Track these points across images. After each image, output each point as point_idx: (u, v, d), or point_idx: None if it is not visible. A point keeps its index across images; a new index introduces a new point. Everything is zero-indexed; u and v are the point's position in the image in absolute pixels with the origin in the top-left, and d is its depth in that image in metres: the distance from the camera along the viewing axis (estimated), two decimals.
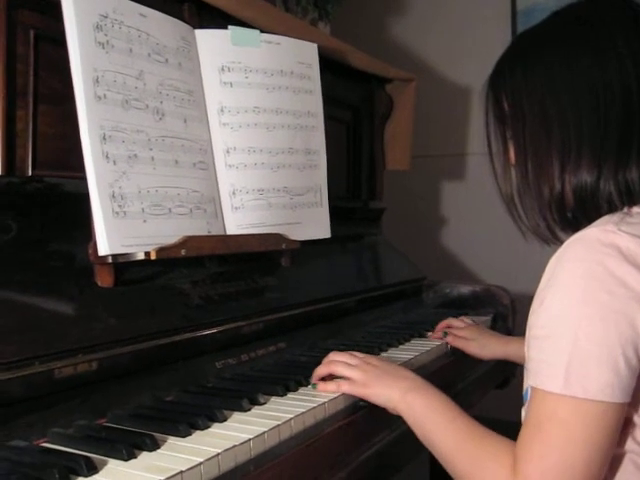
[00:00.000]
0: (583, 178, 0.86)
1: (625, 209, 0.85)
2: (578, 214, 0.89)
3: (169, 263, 1.12)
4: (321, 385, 1.06)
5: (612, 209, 0.86)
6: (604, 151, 0.85)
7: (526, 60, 0.93)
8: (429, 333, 1.52)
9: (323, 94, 1.47)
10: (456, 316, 1.59)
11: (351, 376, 1.05)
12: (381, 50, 2.29)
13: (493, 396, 1.69)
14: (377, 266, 1.87)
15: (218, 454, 0.79)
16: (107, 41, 1.05)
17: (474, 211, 2.43)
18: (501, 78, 0.96)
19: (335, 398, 1.02)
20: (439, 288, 1.91)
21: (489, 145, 0.99)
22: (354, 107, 1.92)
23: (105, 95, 1.03)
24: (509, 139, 0.96)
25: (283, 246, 1.31)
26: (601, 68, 0.86)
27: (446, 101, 2.57)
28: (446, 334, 1.47)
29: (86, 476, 0.73)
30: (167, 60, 1.16)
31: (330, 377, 1.09)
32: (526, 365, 0.88)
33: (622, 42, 0.87)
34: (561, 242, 0.85)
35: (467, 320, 1.56)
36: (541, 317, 0.83)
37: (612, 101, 0.85)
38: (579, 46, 0.88)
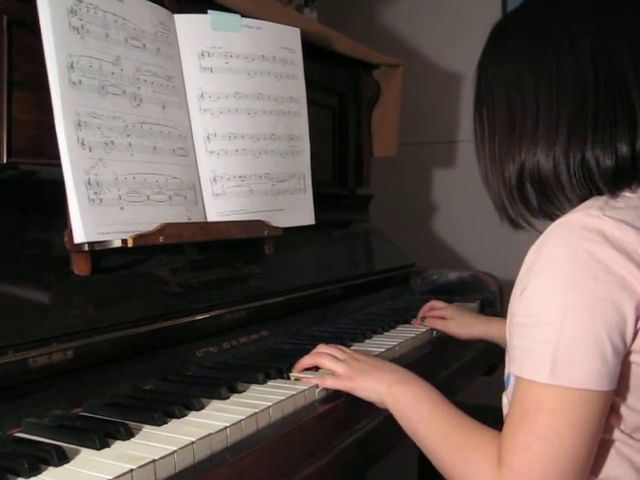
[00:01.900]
0: (540, 162, 0.87)
1: (607, 194, 0.85)
2: (538, 197, 0.90)
3: (148, 251, 1.11)
4: (304, 379, 1.04)
5: (572, 192, 0.86)
6: (557, 137, 0.86)
7: (499, 53, 0.94)
8: (414, 320, 1.52)
9: (309, 80, 1.46)
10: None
11: (337, 370, 1.03)
12: (371, 36, 2.27)
13: (480, 383, 1.68)
14: (364, 253, 1.86)
15: (193, 442, 0.78)
16: (82, 26, 1.03)
17: (463, 198, 2.42)
18: (481, 66, 0.98)
19: (315, 385, 1.02)
20: (427, 275, 1.91)
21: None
22: (340, 93, 1.90)
23: (80, 81, 1.01)
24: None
25: (265, 233, 1.30)
26: (557, 65, 0.87)
27: (436, 88, 2.55)
28: (425, 319, 1.46)
29: (57, 466, 0.72)
30: (145, 45, 1.15)
31: (315, 368, 1.08)
32: (508, 353, 0.87)
33: (579, 29, 0.87)
34: (532, 227, 0.85)
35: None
36: (524, 304, 0.81)
37: (565, 98, 0.86)
38: (540, 45, 0.90)
